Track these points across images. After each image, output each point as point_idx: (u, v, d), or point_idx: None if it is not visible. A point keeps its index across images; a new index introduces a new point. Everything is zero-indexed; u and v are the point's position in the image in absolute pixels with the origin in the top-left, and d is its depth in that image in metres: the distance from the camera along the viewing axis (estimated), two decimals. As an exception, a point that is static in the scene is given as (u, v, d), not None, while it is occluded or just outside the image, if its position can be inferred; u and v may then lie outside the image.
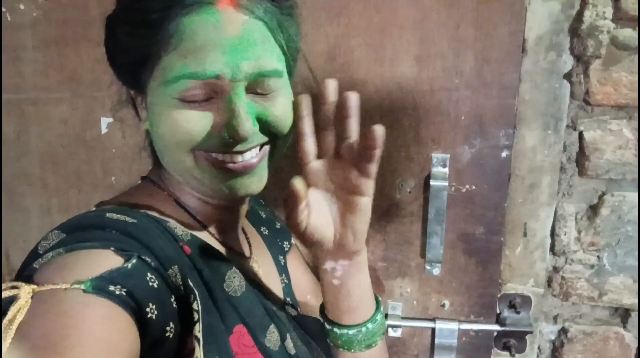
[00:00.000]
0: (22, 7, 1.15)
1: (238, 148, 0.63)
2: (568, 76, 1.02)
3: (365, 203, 0.67)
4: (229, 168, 0.65)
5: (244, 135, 0.61)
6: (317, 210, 0.67)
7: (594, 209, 1.07)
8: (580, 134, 1.04)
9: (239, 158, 0.65)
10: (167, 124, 0.63)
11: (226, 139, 0.62)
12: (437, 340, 1.16)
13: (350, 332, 0.74)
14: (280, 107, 0.66)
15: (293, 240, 0.97)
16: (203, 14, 0.60)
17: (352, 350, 0.76)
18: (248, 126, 0.61)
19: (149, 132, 0.70)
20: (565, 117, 1.04)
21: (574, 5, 0.99)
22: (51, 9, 1.15)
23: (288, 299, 0.86)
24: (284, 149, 0.70)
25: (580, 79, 1.01)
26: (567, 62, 1.02)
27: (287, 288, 0.89)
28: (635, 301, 1.09)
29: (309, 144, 0.67)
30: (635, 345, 1.12)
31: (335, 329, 0.75)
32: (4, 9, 1.15)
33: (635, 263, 1.07)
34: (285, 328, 0.73)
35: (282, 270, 0.89)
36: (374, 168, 0.65)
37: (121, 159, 1.21)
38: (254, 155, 0.66)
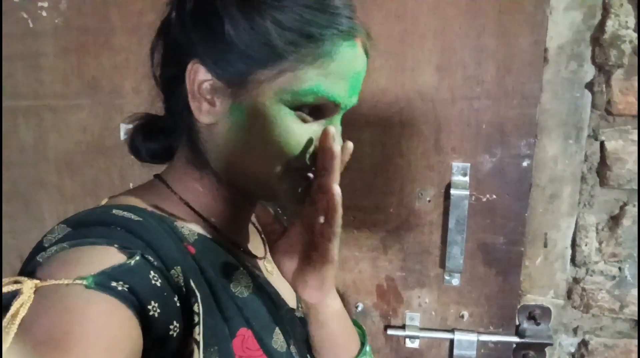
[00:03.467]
0: (44, 14, 1.16)
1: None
2: (589, 86, 1.02)
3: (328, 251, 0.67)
4: (306, 177, 0.67)
5: (337, 157, 0.63)
6: (288, 239, 0.70)
7: (615, 220, 1.06)
8: (602, 144, 1.04)
9: (310, 175, 0.67)
10: (275, 133, 0.63)
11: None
12: (455, 352, 1.15)
13: None
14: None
15: None
16: (349, 42, 0.62)
17: None
18: (339, 149, 0.64)
19: (190, 124, 0.67)
20: (587, 127, 1.04)
21: (596, 15, 0.99)
22: (73, 17, 1.16)
23: (300, 305, 0.86)
24: None
25: (602, 89, 1.01)
26: (589, 71, 1.02)
27: None
28: (658, 313, 1.08)
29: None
30: (658, 358, 1.11)
31: None
32: (25, 16, 1.16)
33: (658, 274, 1.06)
34: (289, 334, 0.73)
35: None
36: (337, 231, 0.66)
37: (140, 166, 1.21)
38: None
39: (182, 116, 0.67)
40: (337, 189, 0.62)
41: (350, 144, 0.68)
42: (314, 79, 0.61)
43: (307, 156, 0.65)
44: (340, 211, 0.63)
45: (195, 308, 0.58)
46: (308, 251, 0.69)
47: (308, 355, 0.79)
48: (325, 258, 0.67)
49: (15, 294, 0.49)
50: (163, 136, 0.76)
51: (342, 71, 0.62)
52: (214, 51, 0.62)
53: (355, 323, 0.83)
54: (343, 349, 0.77)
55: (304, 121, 0.63)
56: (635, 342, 1.11)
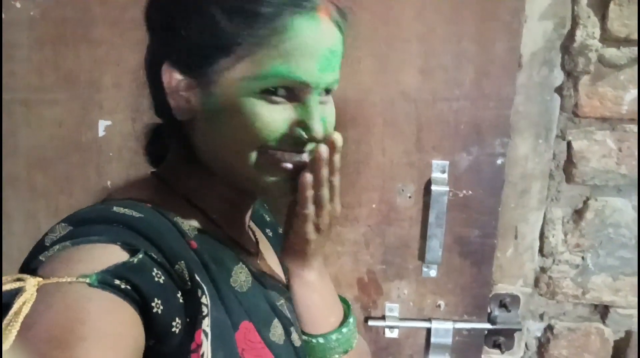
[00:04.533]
0: (18, 5, 1.12)
1: (306, 147, 0.67)
2: (559, 90, 1.11)
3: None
4: (286, 169, 0.67)
5: (317, 136, 0.64)
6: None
7: (579, 214, 1.16)
8: (569, 144, 1.13)
9: (296, 158, 0.67)
10: (243, 119, 0.63)
11: (300, 138, 0.64)
12: (432, 340, 1.21)
13: (313, 340, 0.79)
14: (332, 110, 0.70)
15: None
16: (308, 18, 0.61)
17: (329, 357, 0.81)
18: (321, 128, 0.65)
19: (184, 123, 0.68)
20: (555, 128, 1.12)
21: (566, 25, 1.08)
22: (50, 8, 1.12)
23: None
24: None
25: (570, 93, 1.10)
26: (558, 77, 1.10)
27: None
28: (614, 298, 1.18)
29: None
30: (613, 338, 1.21)
31: (304, 337, 0.79)
32: (-2, 6, 1.12)
33: (615, 263, 1.16)
34: (289, 322, 0.75)
35: (286, 270, 0.91)
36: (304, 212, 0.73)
37: (118, 163, 1.19)
38: (307, 156, 0.68)
39: (168, 116, 0.68)
40: (308, 178, 0.67)
41: (337, 137, 0.67)
42: (272, 61, 0.61)
43: (280, 137, 0.64)
44: (307, 193, 0.68)
45: (204, 300, 0.59)
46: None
47: None
48: (302, 237, 0.73)
49: (17, 292, 0.49)
50: (156, 140, 0.78)
51: (306, 48, 0.61)
52: (176, 50, 0.64)
53: (342, 299, 0.86)
54: (321, 320, 0.80)
55: (273, 102, 0.63)
56: (595, 324, 1.21)
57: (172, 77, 0.65)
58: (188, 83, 0.64)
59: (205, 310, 0.59)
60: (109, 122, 1.17)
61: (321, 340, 0.78)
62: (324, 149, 0.65)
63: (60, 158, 1.19)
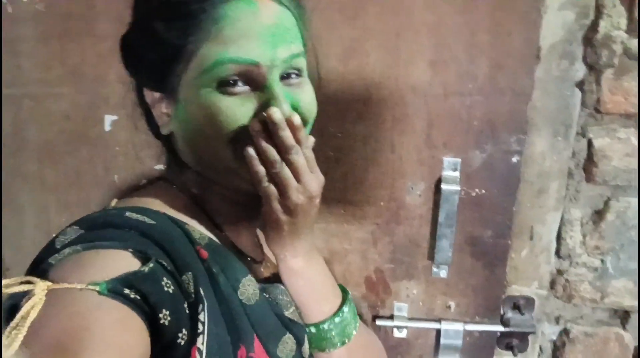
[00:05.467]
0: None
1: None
2: (580, 84, 1.04)
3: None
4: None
5: (285, 115, 0.62)
6: None
7: (599, 215, 1.10)
8: (589, 141, 1.06)
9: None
10: (206, 115, 0.62)
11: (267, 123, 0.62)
12: (442, 341, 1.18)
13: (311, 328, 0.75)
14: (308, 94, 0.67)
15: None
16: (241, 2, 0.61)
17: (321, 349, 0.77)
18: (288, 108, 0.62)
19: (168, 138, 0.70)
20: (575, 124, 1.06)
21: (589, 15, 1.01)
22: (55, 2, 1.11)
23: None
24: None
25: (592, 88, 1.03)
26: (579, 70, 1.04)
27: None
28: (636, 303, 1.12)
29: None
30: (634, 345, 1.16)
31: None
32: (4, 1, 1.11)
33: (637, 267, 1.10)
34: (304, 330, 0.73)
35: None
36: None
37: (125, 157, 1.19)
38: None
39: (158, 133, 0.70)
40: (250, 151, 0.62)
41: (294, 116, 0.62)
42: (216, 50, 0.61)
43: (247, 127, 0.63)
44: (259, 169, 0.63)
45: (201, 316, 0.58)
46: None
47: None
48: (266, 214, 0.68)
49: (25, 294, 0.49)
50: None
51: (246, 30, 0.61)
52: (142, 71, 0.67)
53: (341, 288, 0.81)
54: (311, 308, 0.75)
55: (232, 94, 0.62)
56: (614, 329, 1.16)
57: (152, 98, 0.67)
58: (163, 98, 0.66)
59: (201, 327, 0.58)
60: (115, 117, 1.17)
61: (313, 330, 0.76)
62: (274, 110, 0.61)
63: (69, 152, 1.19)
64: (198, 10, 0.60)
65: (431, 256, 1.15)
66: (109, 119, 1.17)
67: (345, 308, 0.77)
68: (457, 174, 1.09)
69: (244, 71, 0.61)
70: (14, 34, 1.13)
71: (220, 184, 0.70)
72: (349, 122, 1.10)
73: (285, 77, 0.64)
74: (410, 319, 1.19)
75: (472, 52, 1.04)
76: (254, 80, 0.62)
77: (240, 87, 0.62)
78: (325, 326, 0.75)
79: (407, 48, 1.06)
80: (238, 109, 0.62)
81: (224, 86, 0.62)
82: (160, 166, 0.84)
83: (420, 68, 1.06)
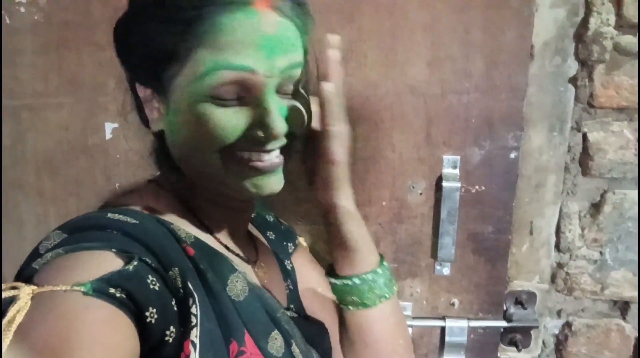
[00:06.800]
0: (22, 10, 1.12)
1: (268, 146, 0.64)
2: (573, 80, 1.07)
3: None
4: (257, 167, 0.65)
5: (278, 134, 0.62)
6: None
7: (596, 207, 1.12)
8: (584, 136, 1.09)
9: (266, 157, 0.66)
10: (197, 123, 0.62)
11: (259, 137, 0.63)
12: (447, 338, 1.19)
13: (356, 280, 0.75)
14: (302, 105, 0.67)
15: (298, 241, 0.99)
16: (241, 13, 0.60)
17: (364, 305, 0.77)
18: (282, 125, 0.63)
19: (159, 135, 0.69)
20: (570, 119, 1.09)
21: (579, 13, 1.04)
22: (53, 12, 1.12)
23: (292, 306, 0.87)
24: (295, 149, 0.72)
25: (585, 83, 1.06)
26: (572, 66, 1.07)
27: (292, 294, 0.88)
28: (635, 294, 1.14)
29: None
30: (635, 335, 1.17)
31: (345, 281, 0.76)
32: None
33: (635, 257, 1.12)
34: (290, 334, 0.73)
35: (288, 275, 0.89)
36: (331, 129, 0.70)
37: (125, 165, 1.19)
38: (277, 154, 0.67)
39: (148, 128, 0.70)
40: (327, 86, 0.65)
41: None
42: (211, 57, 0.60)
43: (239, 139, 0.63)
44: (333, 108, 0.66)
45: (194, 310, 0.58)
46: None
47: (314, 354, 0.80)
48: (326, 158, 0.69)
49: (11, 300, 0.49)
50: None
51: (240, 39, 0.60)
52: (135, 68, 0.67)
53: None
54: (361, 256, 0.76)
55: (225, 105, 0.62)
56: (615, 321, 1.17)
57: (143, 94, 0.66)
58: (154, 96, 0.66)
59: (194, 320, 0.58)
60: (115, 125, 1.17)
61: (357, 282, 0.76)
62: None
63: (68, 161, 1.18)
64: (195, 17, 0.59)
65: (434, 254, 1.16)
66: (109, 127, 1.17)
67: (385, 263, 0.78)
68: (457, 171, 1.11)
69: (239, 78, 0.60)
70: (12, 45, 1.13)
71: (207, 186, 0.71)
72: (349, 123, 1.11)
73: (281, 87, 0.64)
74: (415, 318, 1.20)
75: (467, 51, 1.07)
76: (249, 89, 0.62)
77: (234, 96, 0.62)
78: (370, 276, 0.75)
79: (404, 48, 1.08)
80: (230, 121, 0.62)
81: (218, 95, 0.61)
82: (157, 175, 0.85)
83: (417, 67, 1.08)
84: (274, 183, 0.68)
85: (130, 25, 0.65)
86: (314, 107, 0.69)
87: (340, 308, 0.80)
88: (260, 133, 0.63)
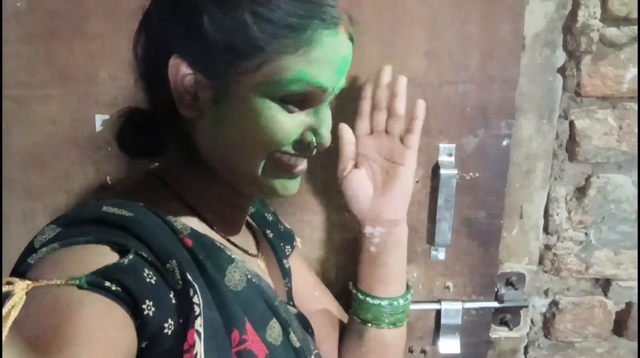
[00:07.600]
0: (4, -3, 1.06)
1: (313, 153, 0.69)
2: (561, 70, 1.12)
3: (404, 172, 0.89)
4: (294, 171, 0.70)
5: (327, 142, 0.68)
6: (360, 172, 0.91)
7: (581, 191, 1.18)
8: (571, 123, 1.15)
9: (301, 163, 0.70)
10: (255, 121, 0.63)
11: (309, 144, 0.67)
12: (443, 321, 1.23)
13: (383, 303, 0.80)
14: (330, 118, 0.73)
15: (295, 243, 1.00)
16: (332, 32, 0.64)
17: (380, 326, 0.82)
18: (329, 135, 0.69)
19: (185, 120, 0.67)
20: (558, 107, 1.14)
21: (567, 6, 1.09)
22: (38, 0, 1.07)
23: (291, 303, 0.88)
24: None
25: (573, 73, 1.12)
26: (560, 57, 1.12)
27: (290, 293, 0.90)
28: (616, 271, 1.22)
29: (364, 121, 0.96)
30: (615, 310, 1.26)
31: (368, 299, 0.81)
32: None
33: (617, 237, 1.20)
34: (288, 322, 0.75)
35: (286, 274, 0.91)
36: (415, 138, 0.91)
37: (117, 158, 1.16)
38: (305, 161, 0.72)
39: (168, 110, 0.67)
40: (420, 101, 0.90)
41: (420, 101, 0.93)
42: (296, 67, 0.62)
43: (291, 143, 0.67)
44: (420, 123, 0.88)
45: (196, 299, 0.59)
46: (384, 177, 0.89)
47: (311, 345, 0.81)
48: (404, 165, 0.87)
49: (7, 295, 0.49)
50: (152, 130, 0.75)
51: (326, 57, 0.64)
52: (194, 46, 0.63)
53: None
54: (399, 280, 0.88)
55: (290, 111, 0.65)
56: (598, 298, 1.25)
57: (180, 71, 0.63)
58: (198, 79, 0.64)
59: (197, 309, 0.58)
60: (106, 116, 1.13)
61: (384, 304, 0.81)
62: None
63: (57, 155, 1.14)
64: (295, 27, 0.61)
65: (430, 240, 1.19)
66: (99, 119, 1.13)
67: (410, 294, 0.84)
68: (452, 159, 1.15)
69: (311, 92, 0.64)
70: (-4, 35, 1.08)
71: (224, 181, 0.71)
72: (348, 114, 1.13)
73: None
74: (411, 302, 1.23)
75: (464, 43, 1.10)
76: (313, 100, 0.66)
77: (302, 103, 0.66)
78: (401, 301, 0.85)
79: (403, 41, 1.10)
80: (290, 126, 0.65)
81: (285, 100, 0.64)
82: (156, 166, 0.84)
83: (415, 59, 1.11)
84: (296, 186, 0.73)
85: (224, 11, 0.61)
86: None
87: (352, 320, 0.86)
88: (312, 140, 0.67)
